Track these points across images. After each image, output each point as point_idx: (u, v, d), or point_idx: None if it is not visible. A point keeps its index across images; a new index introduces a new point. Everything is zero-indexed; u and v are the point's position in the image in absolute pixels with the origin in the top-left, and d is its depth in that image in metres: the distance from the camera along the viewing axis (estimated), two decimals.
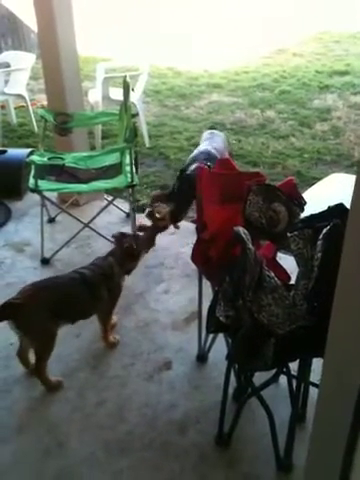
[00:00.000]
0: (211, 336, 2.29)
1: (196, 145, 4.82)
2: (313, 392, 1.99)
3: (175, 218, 2.74)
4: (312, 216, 1.58)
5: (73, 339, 2.48)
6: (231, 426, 1.93)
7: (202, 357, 2.37)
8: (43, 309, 2.10)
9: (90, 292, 2.25)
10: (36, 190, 2.94)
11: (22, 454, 1.95)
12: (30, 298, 2.10)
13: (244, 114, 5.74)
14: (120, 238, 2.46)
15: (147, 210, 2.67)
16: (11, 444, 1.98)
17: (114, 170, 3.17)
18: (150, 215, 2.65)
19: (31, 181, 2.95)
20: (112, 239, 2.50)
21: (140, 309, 2.73)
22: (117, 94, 4.50)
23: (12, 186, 3.84)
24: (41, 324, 2.12)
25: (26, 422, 2.08)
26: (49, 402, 2.17)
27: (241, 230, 1.56)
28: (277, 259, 2.04)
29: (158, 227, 2.62)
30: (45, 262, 3.10)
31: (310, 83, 6.73)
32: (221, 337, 2.20)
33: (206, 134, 3.21)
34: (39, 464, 1.91)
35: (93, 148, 4.49)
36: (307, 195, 2.02)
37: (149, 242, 2.56)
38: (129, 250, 2.40)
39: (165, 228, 2.68)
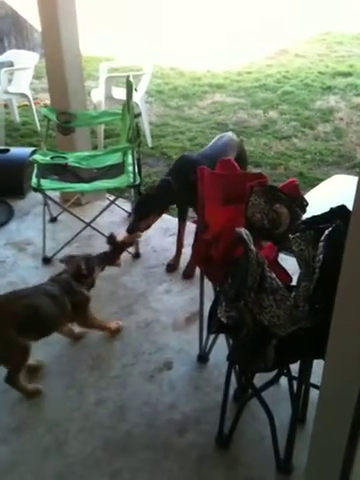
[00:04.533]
0: (212, 337, 2.29)
1: (198, 145, 4.87)
2: (314, 394, 1.99)
3: (132, 232, 2.76)
4: (314, 217, 1.58)
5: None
6: (231, 427, 1.93)
7: (203, 358, 2.37)
8: (6, 325, 2.02)
9: (53, 304, 2.17)
10: (39, 189, 2.94)
11: (22, 453, 1.95)
12: None
13: (246, 114, 5.74)
14: (68, 261, 2.39)
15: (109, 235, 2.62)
16: (11, 444, 1.98)
17: (116, 170, 3.17)
18: (111, 239, 2.59)
19: (34, 180, 2.96)
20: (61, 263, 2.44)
21: (141, 309, 2.73)
22: (120, 94, 4.51)
23: (14, 185, 3.84)
24: (4, 343, 2.04)
25: (26, 421, 2.08)
26: (49, 401, 2.17)
27: (243, 231, 1.56)
28: (278, 260, 2.04)
29: (121, 247, 2.61)
30: (47, 261, 3.10)
31: (313, 84, 6.72)
32: (222, 338, 2.20)
33: (216, 138, 3.17)
34: (39, 463, 1.91)
35: (95, 147, 4.49)
36: (309, 196, 2.02)
37: (108, 260, 2.51)
38: (77, 272, 2.31)
39: (127, 246, 2.72)
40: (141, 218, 2.77)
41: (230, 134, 3.17)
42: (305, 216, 1.80)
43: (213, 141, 3.10)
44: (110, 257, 2.51)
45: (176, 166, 2.90)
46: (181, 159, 2.98)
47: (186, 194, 2.68)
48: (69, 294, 2.24)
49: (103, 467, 1.89)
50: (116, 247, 2.53)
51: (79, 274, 2.31)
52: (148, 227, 2.82)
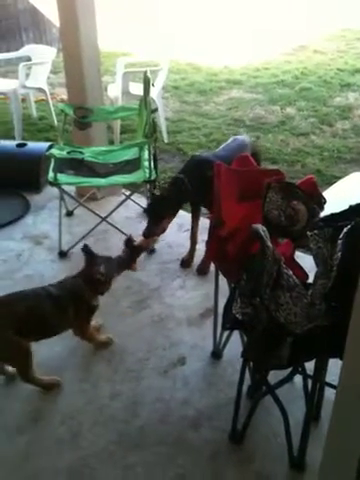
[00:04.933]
0: (226, 333, 2.28)
1: (214, 141, 4.85)
2: (328, 392, 1.98)
3: (148, 236, 2.69)
4: (332, 215, 1.56)
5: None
6: (245, 423, 1.93)
7: (217, 354, 2.37)
8: (6, 329, 2.00)
9: (55, 309, 2.14)
10: (55, 183, 2.96)
11: (37, 444, 1.97)
12: None
13: (264, 111, 5.70)
14: (91, 261, 2.27)
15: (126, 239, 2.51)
16: (26, 434, 2.01)
17: (132, 165, 3.18)
18: (128, 243, 2.51)
19: (50, 174, 2.98)
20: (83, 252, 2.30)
21: (155, 304, 2.74)
22: (136, 89, 4.51)
23: (31, 179, 3.87)
24: (6, 345, 2.04)
25: (41, 413, 2.10)
26: (64, 393, 2.19)
27: (260, 227, 1.55)
28: (295, 258, 2.02)
29: (137, 252, 2.50)
30: (62, 255, 3.12)
31: (331, 81, 6.64)
32: (236, 334, 2.19)
33: (230, 140, 3.13)
34: (53, 454, 1.93)
35: (111, 143, 4.50)
36: (327, 194, 2.00)
37: (125, 265, 2.40)
38: (98, 279, 2.22)
39: (144, 250, 2.64)
40: (156, 222, 2.71)
41: (244, 136, 3.15)
42: (323, 214, 1.78)
43: (227, 143, 3.07)
44: (126, 261, 2.40)
45: (190, 164, 2.87)
46: (194, 158, 2.95)
47: (200, 192, 2.67)
48: (75, 303, 2.19)
49: (116, 461, 1.90)
50: (133, 251, 2.44)
51: (99, 281, 2.24)
52: (164, 231, 2.77)
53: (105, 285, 2.29)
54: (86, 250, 2.28)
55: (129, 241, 2.42)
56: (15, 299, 2.12)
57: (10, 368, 2.22)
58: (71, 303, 2.18)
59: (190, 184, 2.70)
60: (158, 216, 2.72)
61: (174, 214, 2.80)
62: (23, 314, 2.06)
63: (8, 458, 1.92)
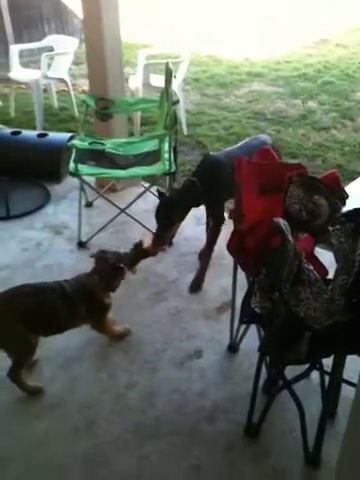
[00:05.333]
0: (243, 327, 2.28)
1: (234, 134, 4.82)
2: (345, 389, 1.97)
3: (157, 243, 2.60)
4: (356, 210, 1.54)
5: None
6: (260, 418, 1.93)
7: (233, 347, 2.37)
8: (11, 319, 2.00)
9: (66, 306, 2.13)
10: (76, 174, 2.98)
11: (53, 431, 2.00)
12: (0, 308, 2.02)
13: (285, 104, 5.64)
14: (101, 256, 2.29)
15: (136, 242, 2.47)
16: (43, 421, 2.04)
17: (152, 157, 3.18)
18: (137, 246, 2.46)
19: (71, 165, 3.00)
20: (92, 258, 2.32)
21: (172, 296, 2.74)
22: (157, 81, 4.50)
23: (52, 169, 3.90)
24: (10, 335, 2.03)
25: (58, 400, 2.13)
26: (81, 382, 2.22)
27: (281, 221, 1.54)
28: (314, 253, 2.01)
29: (144, 256, 2.46)
30: (81, 245, 3.15)
31: (354, 75, 6.55)
32: (253, 328, 2.19)
33: (249, 138, 3.00)
34: (69, 441, 1.96)
35: (131, 134, 4.51)
36: (349, 189, 1.97)
37: (131, 263, 2.37)
38: (115, 267, 2.25)
39: (148, 255, 2.51)
40: (166, 228, 2.64)
41: (265, 137, 3.00)
42: (345, 209, 1.76)
43: (245, 141, 2.94)
44: (130, 262, 2.36)
45: (202, 166, 2.75)
46: (207, 159, 2.80)
47: (211, 195, 2.63)
48: (87, 302, 2.19)
49: (132, 450, 1.92)
50: (139, 254, 2.40)
51: (116, 270, 2.24)
52: (173, 236, 2.74)
53: (118, 279, 2.30)
54: (99, 254, 2.30)
55: (138, 245, 2.40)
56: (27, 292, 2.11)
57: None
58: (83, 302, 2.17)
59: (202, 187, 2.61)
60: (168, 222, 2.64)
61: (182, 219, 2.72)
62: (33, 308, 2.05)
63: (25, 443, 1.95)
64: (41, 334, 2.12)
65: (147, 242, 2.52)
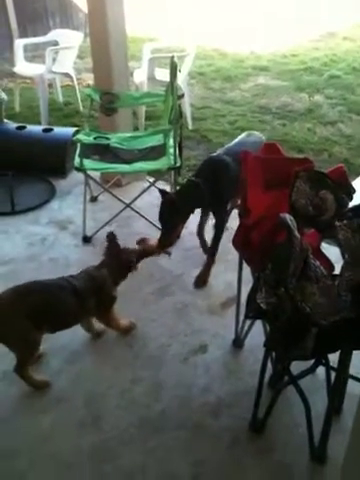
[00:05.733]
0: (248, 322, 2.28)
1: (239, 129, 4.79)
2: (351, 385, 1.96)
3: (163, 244, 2.57)
4: None
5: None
6: (266, 413, 1.92)
7: (238, 343, 2.36)
8: (19, 317, 1.98)
9: (77, 303, 2.12)
10: (81, 169, 2.98)
11: (59, 424, 2.01)
12: (5, 305, 1.99)
13: (291, 98, 5.61)
14: (113, 248, 2.29)
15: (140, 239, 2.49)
16: (50, 415, 2.05)
17: (157, 152, 3.17)
18: (141, 242, 2.48)
19: (76, 160, 2.99)
20: (106, 240, 2.32)
21: (178, 291, 2.74)
22: (162, 75, 4.48)
23: (57, 164, 3.90)
24: (16, 332, 2.02)
25: (64, 394, 2.14)
26: (86, 376, 2.22)
27: (287, 217, 1.53)
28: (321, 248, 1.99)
29: (146, 253, 2.44)
30: (86, 240, 3.15)
31: None
32: (258, 323, 2.19)
33: (243, 135, 2.99)
34: (75, 435, 1.96)
35: (136, 129, 4.49)
36: (356, 183, 1.96)
37: (136, 260, 2.36)
38: (127, 263, 2.26)
39: (151, 254, 2.50)
40: (171, 230, 2.60)
41: (258, 134, 2.98)
42: (352, 204, 1.75)
43: (240, 137, 2.92)
44: (136, 258, 2.34)
45: (205, 167, 2.71)
46: (210, 160, 2.76)
47: (217, 195, 2.61)
48: (97, 295, 2.18)
49: (137, 444, 1.93)
50: (143, 252, 2.39)
51: (127, 266, 2.25)
52: (178, 237, 2.71)
53: (127, 274, 2.30)
54: (111, 237, 2.28)
55: (142, 242, 2.40)
56: (35, 289, 2.09)
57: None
58: (93, 295, 2.17)
59: (206, 188, 2.58)
60: (173, 224, 2.61)
61: (185, 220, 2.69)
62: (41, 305, 2.04)
63: (31, 437, 1.96)
64: (48, 331, 2.12)
65: (152, 241, 2.52)
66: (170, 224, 2.60)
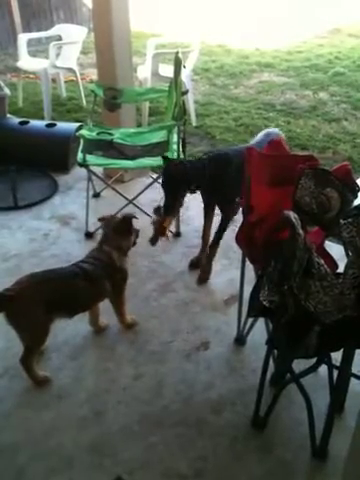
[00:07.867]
0: (250, 320, 2.28)
1: (243, 125, 4.78)
2: (353, 383, 1.96)
3: (168, 213, 2.55)
4: None
5: (113, 312, 2.50)
6: (267, 410, 1.92)
7: (240, 340, 2.36)
8: (36, 304, 2.01)
9: (91, 287, 2.16)
10: (84, 164, 2.97)
11: (61, 420, 2.01)
12: (23, 291, 2.00)
13: (295, 95, 5.59)
14: (108, 219, 2.38)
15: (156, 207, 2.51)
16: (51, 410, 2.05)
17: (161, 148, 3.14)
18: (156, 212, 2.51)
19: (79, 155, 2.98)
20: (101, 221, 2.42)
21: (180, 288, 2.74)
22: (166, 71, 4.46)
23: (60, 160, 3.90)
24: (32, 319, 2.03)
25: (66, 389, 2.14)
26: (89, 372, 2.23)
27: (291, 214, 1.52)
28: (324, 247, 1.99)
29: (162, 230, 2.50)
30: (89, 236, 3.15)
31: None
32: (260, 321, 2.19)
33: (263, 133, 2.92)
34: (76, 431, 1.97)
35: (139, 125, 4.48)
36: None
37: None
38: (118, 227, 2.31)
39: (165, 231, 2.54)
40: (174, 197, 2.54)
41: (277, 131, 2.94)
42: (356, 202, 1.74)
43: (259, 136, 2.86)
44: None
45: (214, 155, 2.66)
46: (218, 152, 2.73)
47: (216, 189, 2.59)
48: (110, 270, 2.22)
49: (138, 440, 1.93)
50: (159, 221, 2.48)
51: (121, 230, 2.31)
52: (181, 205, 2.64)
53: (128, 235, 2.35)
54: (129, 218, 2.36)
55: (158, 210, 2.50)
56: (52, 277, 2.12)
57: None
58: (106, 275, 2.21)
59: (209, 172, 2.55)
60: (175, 190, 2.55)
61: (187, 189, 2.61)
62: (58, 292, 2.08)
63: (33, 432, 1.96)
64: (66, 316, 2.16)
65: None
66: (172, 190, 2.56)
